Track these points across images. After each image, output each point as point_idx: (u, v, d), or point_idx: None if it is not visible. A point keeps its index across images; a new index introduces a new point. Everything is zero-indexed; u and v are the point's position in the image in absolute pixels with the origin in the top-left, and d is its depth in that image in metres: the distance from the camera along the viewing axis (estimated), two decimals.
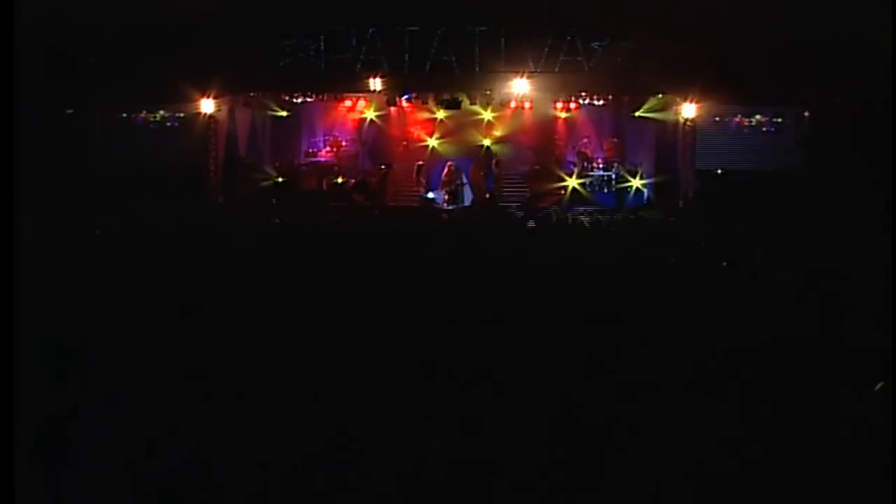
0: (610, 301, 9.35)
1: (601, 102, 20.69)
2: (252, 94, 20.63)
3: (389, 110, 21.67)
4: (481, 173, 21.25)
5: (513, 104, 20.94)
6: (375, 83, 19.27)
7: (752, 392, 6.82)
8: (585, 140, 21.80)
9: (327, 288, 10.12)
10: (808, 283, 10.12)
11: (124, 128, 19.49)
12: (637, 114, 20.37)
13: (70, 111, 18.82)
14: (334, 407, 6.60)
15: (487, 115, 21.42)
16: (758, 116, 19.56)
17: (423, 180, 21.24)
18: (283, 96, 20.92)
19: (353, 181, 21.42)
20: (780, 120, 19.35)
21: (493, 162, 21.28)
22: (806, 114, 19.09)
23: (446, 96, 20.31)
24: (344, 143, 22.12)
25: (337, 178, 21.37)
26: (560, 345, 7.82)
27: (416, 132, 21.90)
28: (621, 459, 5.93)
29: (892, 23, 15.62)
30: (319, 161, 21.86)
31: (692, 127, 19.46)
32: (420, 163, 21.40)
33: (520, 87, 19.55)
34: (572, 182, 20.56)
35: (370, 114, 21.91)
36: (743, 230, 14.31)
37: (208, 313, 9.02)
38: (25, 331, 6.29)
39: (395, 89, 20.01)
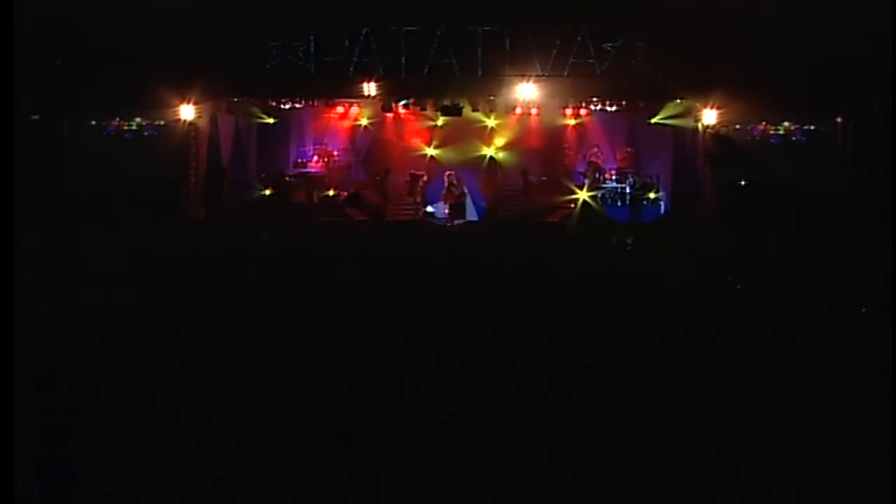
0: None
1: (614, 108, 20.27)
2: (236, 99, 20.11)
3: (385, 117, 21.25)
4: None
5: (518, 110, 20.46)
6: (370, 88, 18.79)
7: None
8: (597, 149, 21.34)
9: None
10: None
11: (96, 137, 18.94)
12: (653, 121, 19.88)
13: (35, 118, 18.17)
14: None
15: (491, 122, 20.96)
16: (786, 124, 19.04)
17: (417, 192, 20.68)
18: (269, 102, 20.54)
19: (345, 194, 20.92)
20: (811, 128, 18.88)
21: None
22: (839, 120, 18.56)
23: (446, 102, 19.76)
24: (335, 153, 21.81)
25: (328, 190, 20.80)
26: None
27: (414, 141, 21.49)
28: None
29: (892, 27, 15.33)
30: (309, 172, 21.43)
31: (713, 135, 18.96)
32: (413, 172, 20.71)
33: (526, 91, 19.04)
34: (583, 195, 19.96)
35: (364, 121, 21.50)
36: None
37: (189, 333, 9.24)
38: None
39: (390, 94, 19.51)
